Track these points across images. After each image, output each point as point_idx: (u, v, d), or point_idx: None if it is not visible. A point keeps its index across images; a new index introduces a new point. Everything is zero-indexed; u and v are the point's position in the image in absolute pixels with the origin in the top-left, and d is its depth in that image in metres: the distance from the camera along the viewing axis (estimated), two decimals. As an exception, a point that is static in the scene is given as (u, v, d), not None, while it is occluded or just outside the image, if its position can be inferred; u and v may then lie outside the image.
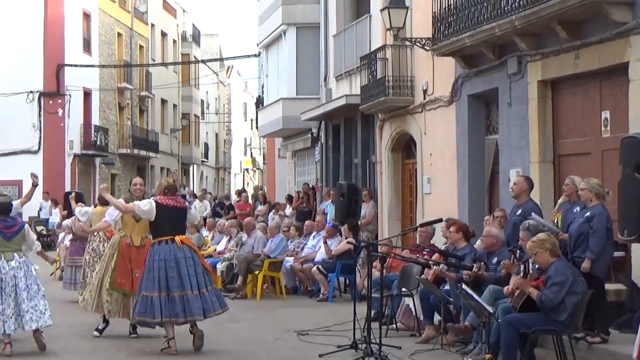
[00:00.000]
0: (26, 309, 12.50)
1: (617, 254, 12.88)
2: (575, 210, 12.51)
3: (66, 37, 44.01)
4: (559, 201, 13.52)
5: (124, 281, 13.69)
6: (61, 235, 24.81)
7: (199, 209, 32.49)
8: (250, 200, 36.50)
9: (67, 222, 21.20)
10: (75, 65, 43.83)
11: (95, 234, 16.72)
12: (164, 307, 12.59)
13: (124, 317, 13.90)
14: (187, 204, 13.49)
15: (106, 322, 14.15)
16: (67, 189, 40.37)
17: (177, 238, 12.79)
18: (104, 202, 15.94)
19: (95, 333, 14.11)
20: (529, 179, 14.15)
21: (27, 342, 12.93)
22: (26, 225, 13.15)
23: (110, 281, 13.83)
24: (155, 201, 12.99)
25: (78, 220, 18.23)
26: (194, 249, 13.19)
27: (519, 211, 13.43)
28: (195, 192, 47.99)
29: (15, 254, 12.68)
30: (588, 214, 12.00)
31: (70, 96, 43.81)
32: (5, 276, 12.52)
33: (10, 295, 12.49)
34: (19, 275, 12.56)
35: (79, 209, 17.90)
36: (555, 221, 12.97)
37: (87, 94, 46.39)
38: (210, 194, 46.13)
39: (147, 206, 12.95)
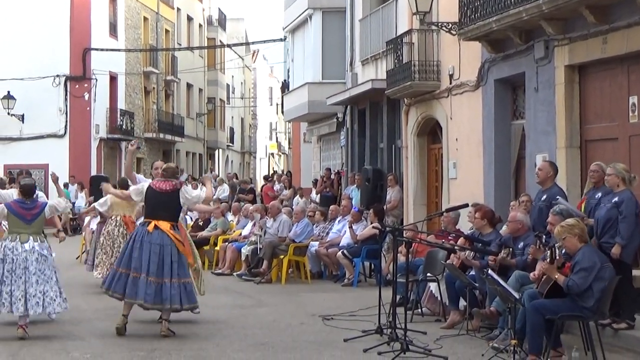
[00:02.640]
0: (33, 293, 12.52)
1: (643, 240, 12.82)
2: (597, 196, 12.45)
3: (92, 21, 44.07)
4: (586, 187, 13.44)
5: None
6: (87, 219, 24.90)
7: (217, 194, 32.45)
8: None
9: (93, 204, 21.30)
10: (102, 50, 43.92)
11: (112, 217, 16.99)
12: (115, 283, 12.76)
13: None
14: (181, 185, 13.31)
15: None
16: (93, 172, 40.55)
17: (152, 223, 12.82)
18: (124, 186, 16.21)
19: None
20: (553, 164, 14.09)
21: (44, 325, 13.01)
22: (47, 205, 13.12)
23: None
24: (149, 184, 13.27)
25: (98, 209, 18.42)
26: (172, 239, 12.91)
27: (544, 196, 13.38)
28: (221, 176, 48.03)
29: (31, 237, 12.71)
30: (616, 199, 11.93)
31: (97, 80, 43.86)
32: (17, 257, 12.55)
33: (20, 277, 12.52)
34: (30, 259, 12.58)
35: (99, 201, 18.10)
36: (581, 208, 12.90)
37: (113, 78, 46.47)
38: (237, 178, 46.09)
39: (138, 190, 13.48)
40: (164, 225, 12.87)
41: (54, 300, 12.72)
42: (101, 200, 18.03)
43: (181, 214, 14.18)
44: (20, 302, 12.45)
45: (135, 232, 13.09)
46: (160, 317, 13.29)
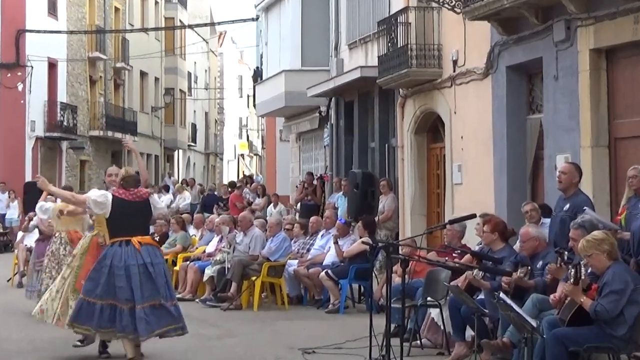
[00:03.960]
0: None
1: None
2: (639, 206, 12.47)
3: (28, -2, 44.11)
4: (625, 196, 13.44)
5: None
6: (20, 234, 24.89)
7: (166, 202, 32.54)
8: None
9: (34, 221, 21.23)
10: (38, 31, 43.86)
11: (56, 234, 16.92)
12: (99, 316, 12.65)
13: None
14: (149, 192, 13.31)
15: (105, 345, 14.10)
16: (28, 178, 40.59)
17: (135, 239, 12.81)
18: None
19: (76, 343, 14.06)
20: (578, 167, 14.11)
21: None
22: None
23: (74, 282, 13.83)
24: (112, 194, 13.01)
25: (39, 218, 18.38)
26: (160, 251, 13.24)
27: (567, 205, 13.39)
28: (181, 181, 48.06)
29: None
30: (658, 207, 11.99)
31: (32, 68, 43.84)
32: None
33: None
34: None
35: (39, 205, 18.03)
36: (621, 221, 12.91)
37: (52, 66, 46.44)
38: (201, 184, 46.15)
39: (101, 198, 13.00)
40: (147, 239, 13.03)
41: None
42: (43, 206, 17.98)
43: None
44: None
45: (110, 255, 12.82)
46: (101, 352, 13.58)
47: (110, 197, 12.96)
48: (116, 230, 12.95)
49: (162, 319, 12.73)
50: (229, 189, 35.66)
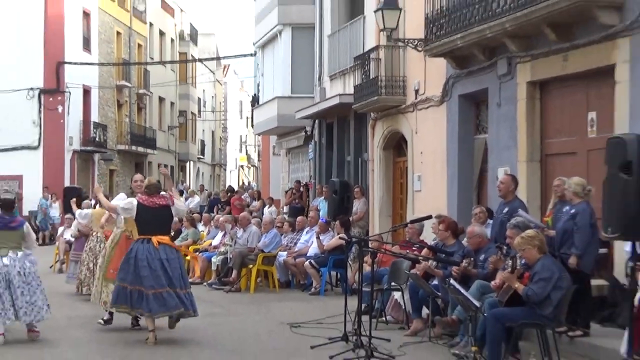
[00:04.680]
0: (20, 305, 12.60)
1: (600, 250, 12.96)
2: (565, 210, 12.56)
3: (66, 35, 43.93)
4: (551, 201, 13.53)
5: (115, 272, 13.64)
6: (61, 229, 24.87)
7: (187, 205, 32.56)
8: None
9: (74, 224, 21.19)
10: (75, 63, 43.74)
11: (93, 233, 16.98)
12: (136, 300, 12.72)
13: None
14: (172, 200, 13.33)
15: (111, 313, 14.13)
16: (67, 184, 40.44)
17: (154, 239, 12.82)
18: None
19: (100, 321, 14.09)
20: (514, 178, 14.21)
21: (17, 332, 13.00)
22: (26, 224, 13.20)
23: (104, 272, 13.95)
24: (138, 200, 13.08)
25: (79, 222, 18.48)
26: (175, 249, 13.30)
27: (506, 209, 13.49)
28: (191, 188, 48.06)
29: (11, 252, 12.74)
30: (573, 211, 12.08)
31: (70, 93, 43.72)
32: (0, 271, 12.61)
33: (6, 290, 12.56)
34: (12, 272, 12.62)
35: (79, 212, 18.11)
36: (547, 222, 13.01)
37: (86, 91, 46.31)
38: (207, 190, 46.08)
39: (128, 205, 13.17)
40: (165, 239, 13.01)
41: (42, 308, 12.79)
42: (83, 213, 18.08)
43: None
44: (10, 312, 12.51)
45: (135, 249, 12.86)
46: (133, 325, 13.52)
47: (135, 202, 13.05)
48: (141, 229, 13.01)
49: (176, 303, 12.70)
50: (227, 193, 35.62)
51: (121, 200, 14.36)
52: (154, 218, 12.97)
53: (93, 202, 18.52)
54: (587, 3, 13.80)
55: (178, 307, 12.74)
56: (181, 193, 39.21)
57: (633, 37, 13.50)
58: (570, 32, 14.96)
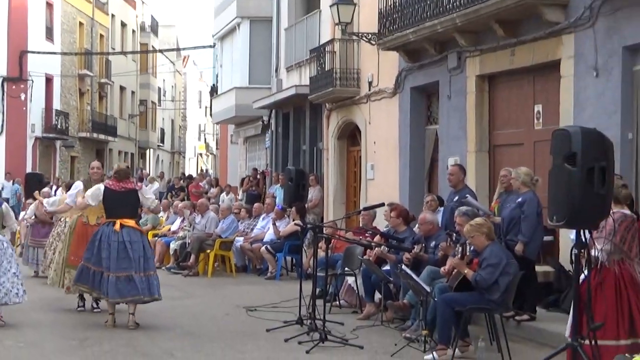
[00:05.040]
0: None
1: (546, 238, 13.04)
2: (510, 199, 12.59)
3: (30, 25, 43.60)
4: (497, 192, 13.60)
5: (76, 259, 13.48)
6: (22, 214, 24.58)
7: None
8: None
9: (31, 208, 20.92)
10: (38, 52, 43.40)
11: (61, 219, 16.73)
12: (98, 282, 12.59)
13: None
14: (138, 185, 13.35)
15: (82, 297, 13.94)
16: (29, 170, 40.09)
17: (118, 222, 12.65)
18: (69, 188, 15.98)
19: (80, 309, 13.91)
20: (462, 167, 14.25)
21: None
22: (4, 205, 13.02)
23: (65, 258, 13.79)
24: (105, 185, 12.99)
25: (46, 209, 18.20)
26: (140, 232, 13.09)
27: (456, 197, 13.49)
28: (151, 175, 47.79)
29: None
30: (519, 199, 12.12)
31: (33, 81, 43.38)
32: None
33: None
34: None
35: (46, 200, 17.86)
36: (494, 211, 13.05)
37: (49, 80, 45.96)
38: (166, 177, 45.88)
39: (95, 192, 13.01)
40: (130, 222, 12.84)
41: (10, 291, 12.46)
42: (50, 200, 17.83)
43: None
44: None
45: (101, 231, 12.74)
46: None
47: (102, 188, 12.94)
48: (108, 213, 12.89)
49: (132, 290, 12.48)
50: (180, 180, 35.53)
51: (77, 188, 14.13)
52: (120, 202, 12.82)
53: (54, 189, 18.24)
54: (534, 1, 13.91)
55: (132, 294, 12.50)
56: (140, 180, 39.06)
57: (577, 33, 13.60)
58: (517, 28, 15.04)
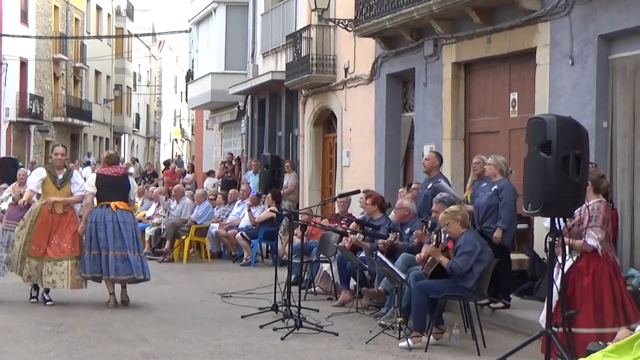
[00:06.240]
0: None
1: (520, 226, 13.09)
2: (483, 186, 12.63)
3: (4, 9, 43.26)
4: (470, 179, 13.63)
5: (37, 248, 13.29)
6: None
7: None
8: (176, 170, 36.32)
9: (8, 190, 20.74)
10: (13, 36, 43.09)
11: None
12: (91, 264, 13.00)
13: (41, 283, 13.47)
14: (127, 170, 13.60)
15: (36, 287, 13.72)
16: (3, 154, 39.84)
17: (112, 204, 13.08)
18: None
19: (33, 300, 13.68)
20: (439, 155, 14.24)
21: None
22: None
23: (26, 248, 13.38)
24: (97, 172, 13.52)
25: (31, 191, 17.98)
26: (132, 214, 13.60)
27: (430, 185, 13.50)
28: (126, 160, 47.69)
29: None
30: (496, 187, 12.15)
31: (7, 65, 43.09)
32: None
33: None
34: None
35: (30, 182, 17.60)
36: (467, 198, 13.08)
37: (23, 64, 45.68)
38: (139, 162, 45.79)
39: (90, 182, 13.42)
40: (123, 204, 13.26)
41: None
42: (35, 184, 17.57)
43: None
44: None
45: (95, 214, 13.09)
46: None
47: (94, 176, 13.54)
48: (101, 197, 13.22)
49: (127, 268, 12.97)
50: (164, 167, 35.48)
51: (40, 176, 13.63)
52: (113, 186, 13.25)
53: (29, 171, 17.99)
54: (511, -12, 13.91)
55: (127, 273, 13.00)
56: (87, 164, 39.01)
57: (553, 22, 13.64)
58: (493, 16, 15.07)
